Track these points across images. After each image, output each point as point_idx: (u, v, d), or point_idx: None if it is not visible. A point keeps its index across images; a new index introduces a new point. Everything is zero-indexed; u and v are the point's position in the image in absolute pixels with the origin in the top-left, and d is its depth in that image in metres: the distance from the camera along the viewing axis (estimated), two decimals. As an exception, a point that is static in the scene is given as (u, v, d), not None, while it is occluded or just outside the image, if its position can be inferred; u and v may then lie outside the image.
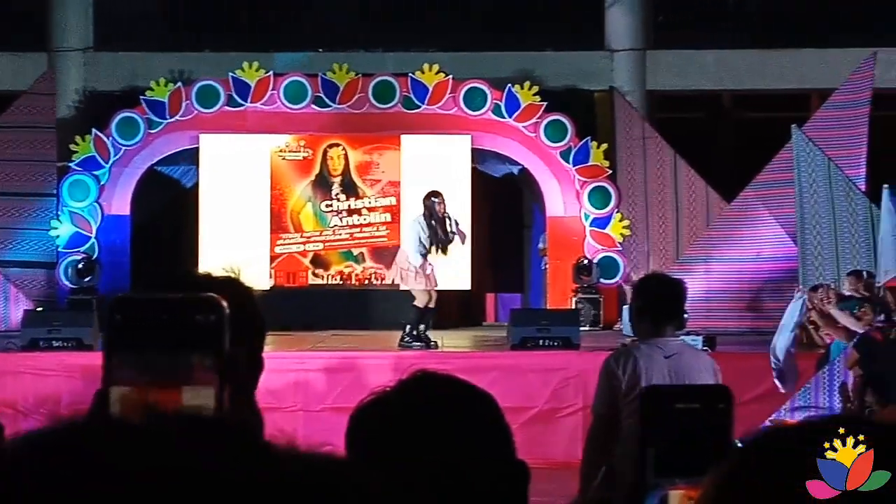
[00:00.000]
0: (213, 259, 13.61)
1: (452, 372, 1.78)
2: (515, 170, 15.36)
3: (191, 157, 15.07)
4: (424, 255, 11.71)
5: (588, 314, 14.18)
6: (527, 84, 14.91)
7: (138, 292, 2.31)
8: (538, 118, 14.85)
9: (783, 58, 15.51)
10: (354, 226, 14.92)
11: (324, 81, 14.83)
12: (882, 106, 14.18)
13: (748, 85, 15.73)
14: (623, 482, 4.46)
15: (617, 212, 14.89)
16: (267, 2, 15.94)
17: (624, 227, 14.90)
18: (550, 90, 15.09)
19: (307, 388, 10.84)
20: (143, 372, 0.96)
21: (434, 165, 14.36)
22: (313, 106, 14.88)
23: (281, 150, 14.95)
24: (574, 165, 14.84)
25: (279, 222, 14.89)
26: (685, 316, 5.25)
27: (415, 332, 11.64)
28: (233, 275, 2.11)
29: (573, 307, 13.96)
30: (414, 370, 1.70)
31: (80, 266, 14.34)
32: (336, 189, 14.92)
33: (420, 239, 11.72)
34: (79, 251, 14.57)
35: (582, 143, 14.83)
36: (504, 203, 16.05)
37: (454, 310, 14.84)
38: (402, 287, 12.22)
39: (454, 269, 13.73)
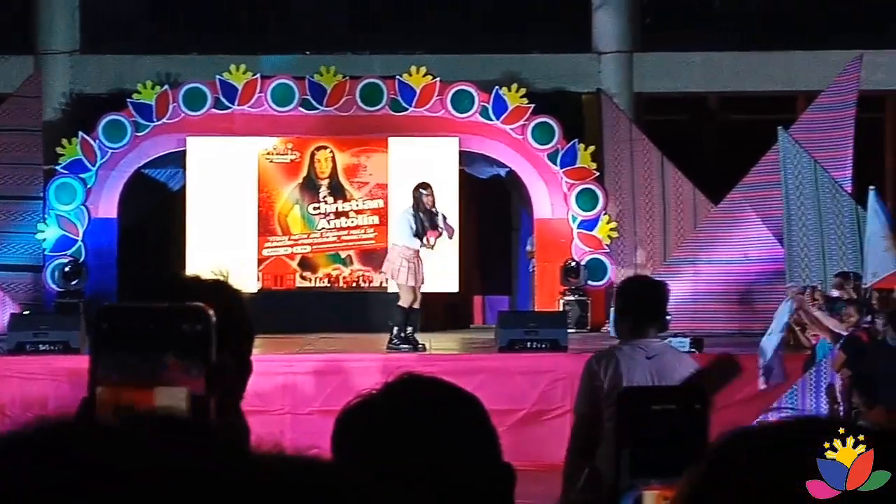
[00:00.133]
0: (200, 262, 13.59)
1: (440, 375, 1.78)
2: (503, 172, 15.37)
3: (178, 159, 15.04)
4: (419, 237, 11.56)
5: (576, 316, 14.20)
6: (514, 86, 14.92)
7: (126, 300, 2.31)
8: (525, 120, 14.87)
9: (770, 60, 15.55)
10: (342, 228, 14.91)
11: (311, 84, 14.82)
12: (868, 108, 14.23)
13: (735, 87, 15.76)
14: (606, 483, 4.48)
15: (604, 214, 14.91)
16: (254, 4, 15.92)
17: (611, 230, 14.92)
18: (538, 92, 15.11)
19: (295, 391, 10.82)
20: (127, 377, 0.96)
21: (421, 168, 14.36)
22: (300, 108, 14.87)
23: (268, 153, 14.94)
24: (561, 167, 14.86)
25: (266, 225, 14.88)
26: (668, 318, 5.28)
27: (403, 335, 11.64)
28: (221, 278, 2.10)
29: (561, 309, 13.97)
30: (400, 373, 1.71)
31: (66, 269, 14.30)
32: (324, 191, 14.92)
33: (410, 225, 11.66)
34: (65, 254, 14.54)
35: (569, 145, 14.85)
36: (491, 205, 16.06)
37: (442, 312, 14.83)
38: (391, 281, 12.20)
39: (442, 271, 13.73)
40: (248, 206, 14.78)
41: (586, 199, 14.85)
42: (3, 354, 11.25)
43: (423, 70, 14.88)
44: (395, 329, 11.64)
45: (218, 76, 14.79)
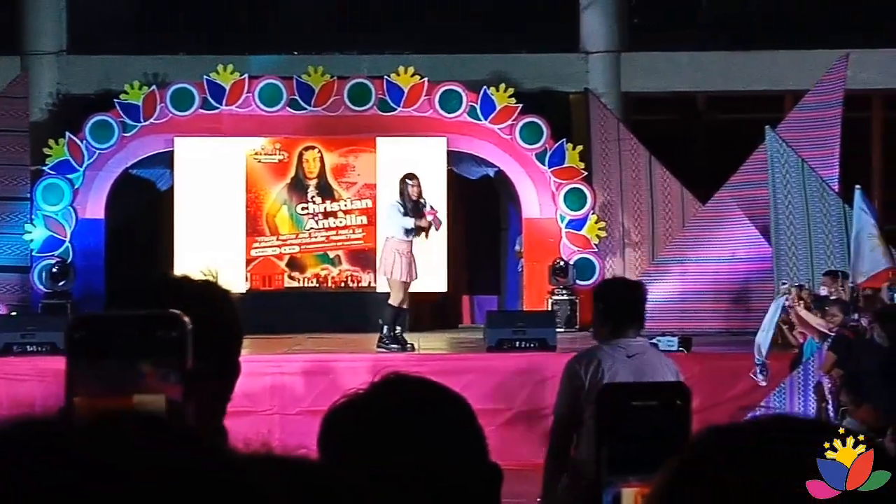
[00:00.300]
0: (188, 263, 13.56)
1: (429, 374, 1.79)
2: (491, 172, 15.38)
3: (165, 160, 15.02)
4: (413, 217, 11.48)
5: (564, 316, 14.21)
6: (502, 86, 14.93)
7: (114, 303, 2.30)
8: (513, 120, 14.87)
9: (757, 59, 15.58)
10: (330, 228, 14.90)
11: (299, 84, 14.81)
12: (854, 107, 14.27)
13: (722, 86, 15.79)
14: (586, 481, 4.52)
15: (592, 213, 14.92)
16: (242, 4, 15.90)
17: (599, 229, 14.94)
18: (526, 92, 15.12)
19: (283, 392, 10.81)
20: (103, 386, 0.97)
21: (409, 168, 14.31)
22: (288, 108, 14.85)
23: (256, 153, 14.92)
24: (550, 167, 14.87)
25: (255, 225, 14.86)
26: (645, 317, 5.34)
27: (392, 334, 11.62)
28: (211, 278, 2.10)
29: (549, 309, 13.98)
30: (386, 373, 1.71)
31: (54, 270, 14.27)
32: (312, 192, 14.90)
33: (399, 210, 11.60)
34: (53, 255, 14.50)
35: (557, 144, 14.86)
36: (480, 205, 16.06)
37: (430, 312, 14.83)
38: (381, 280, 12.16)
39: (430, 271, 13.72)
40: (236, 206, 14.76)
41: (574, 199, 14.87)
42: (-10, 356, 11.21)
43: (411, 70, 14.88)
44: (385, 328, 11.62)
45: (205, 76, 14.76)
